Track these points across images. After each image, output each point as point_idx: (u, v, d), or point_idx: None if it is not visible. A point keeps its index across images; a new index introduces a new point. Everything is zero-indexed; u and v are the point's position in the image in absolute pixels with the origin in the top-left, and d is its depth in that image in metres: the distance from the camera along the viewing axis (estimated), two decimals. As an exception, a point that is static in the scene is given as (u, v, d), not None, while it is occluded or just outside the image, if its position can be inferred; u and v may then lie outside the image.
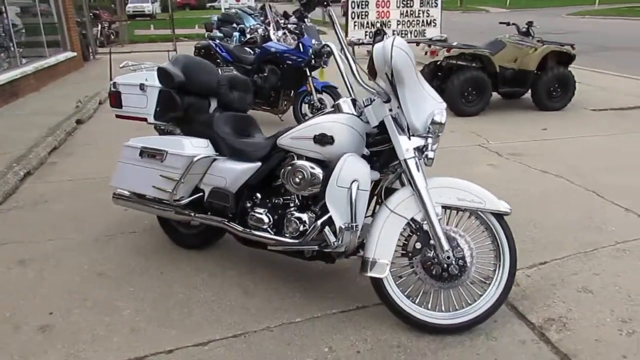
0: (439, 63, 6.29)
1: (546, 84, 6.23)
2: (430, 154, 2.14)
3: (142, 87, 2.79)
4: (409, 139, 2.20)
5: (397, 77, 2.06)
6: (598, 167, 4.28)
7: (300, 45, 5.47)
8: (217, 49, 6.43)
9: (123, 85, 2.88)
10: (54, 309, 2.47)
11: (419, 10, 11.70)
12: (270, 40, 7.71)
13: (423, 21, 11.81)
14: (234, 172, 2.62)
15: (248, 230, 2.58)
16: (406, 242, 2.28)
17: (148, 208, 2.93)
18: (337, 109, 2.47)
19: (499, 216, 2.26)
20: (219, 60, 6.43)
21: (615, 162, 4.43)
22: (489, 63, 6.15)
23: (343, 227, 2.16)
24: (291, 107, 5.74)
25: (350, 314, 2.40)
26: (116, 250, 3.04)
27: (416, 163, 2.19)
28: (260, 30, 8.52)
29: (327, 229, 2.22)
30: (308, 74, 5.41)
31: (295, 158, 2.48)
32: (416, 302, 2.27)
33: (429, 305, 2.29)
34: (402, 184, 2.41)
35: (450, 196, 2.23)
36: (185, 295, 2.58)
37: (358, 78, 2.22)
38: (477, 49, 6.17)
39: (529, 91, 6.45)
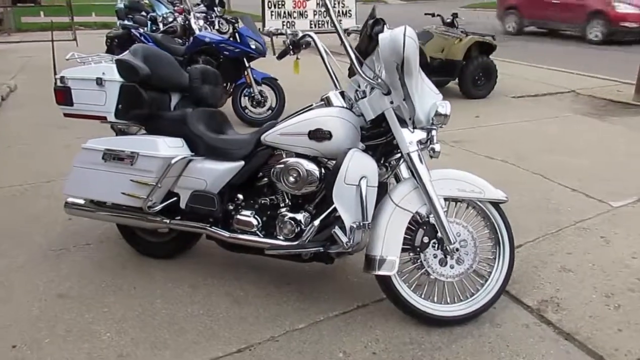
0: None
1: (472, 73, 6.52)
2: (437, 147, 2.12)
3: (99, 81, 2.47)
4: (412, 131, 2.15)
5: (407, 68, 1.99)
6: (535, 150, 4.55)
7: (237, 35, 5.23)
8: (142, 38, 5.97)
9: (74, 80, 2.54)
10: (16, 341, 2.13)
11: (335, 1, 11.75)
12: (192, 29, 7.33)
13: (339, 11, 11.86)
14: (215, 172, 2.42)
15: (236, 235, 2.41)
16: (408, 237, 2.24)
17: (111, 217, 2.64)
18: (327, 102, 2.36)
19: (496, 204, 2.30)
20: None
21: (548, 145, 4.74)
22: (420, 53, 6.29)
23: (355, 226, 2.07)
24: (229, 100, 5.48)
25: (353, 315, 2.32)
26: (72, 267, 2.70)
27: (419, 156, 2.16)
28: (179, 19, 8.07)
29: (337, 229, 2.12)
30: (246, 64, 5.21)
31: (285, 155, 2.35)
32: (422, 296, 2.25)
33: (435, 298, 2.28)
34: (397, 180, 2.38)
35: (452, 188, 2.22)
36: (170, 311, 2.35)
37: (359, 69, 2.12)
38: (408, 40, 6.29)
39: (455, 80, 6.72)
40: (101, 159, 2.46)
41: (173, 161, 2.36)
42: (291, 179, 2.26)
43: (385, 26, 2.12)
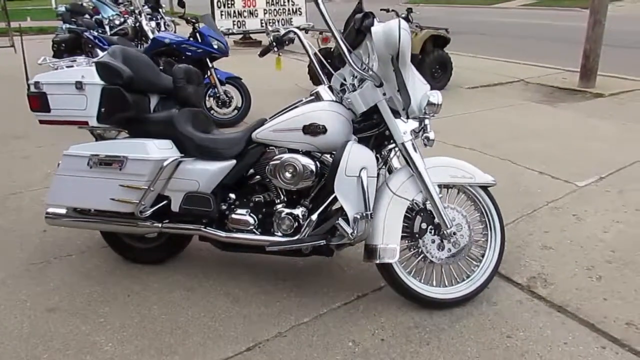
0: (331, 50, 6.39)
1: (429, 66, 6.70)
2: (431, 135, 2.19)
3: (79, 85, 2.39)
4: (405, 122, 2.21)
5: (402, 59, 2.05)
6: (499, 137, 4.75)
7: (198, 35, 5.14)
8: (96, 41, 5.77)
9: (49, 85, 2.43)
10: (12, 360, 2.03)
11: (285, 0, 11.75)
12: (144, 31, 7.15)
13: (289, 10, 11.88)
14: (207, 173, 2.39)
15: (233, 235, 2.39)
16: (405, 224, 2.30)
17: (98, 225, 2.55)
18: (317, 96, 2.38)
19: (485, 188, 2.40)
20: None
21: (509, 132, 4.95)
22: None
23: (358, 216, 2.10)
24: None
25: (355, 304, 2.36)
26: (58, 279, 2.59)
27: (413, 145, 2.22)
28: (130, 21, 7.84)
29: (340, 221, 2.14)
30: (210, 65, 5.13)
31: (277, 152, 2.35)
32: (422, 280, 2.32)
33: (434, 282, 2.35)
34: (390, 171, 2.43)
35: (444, 174, 2.30)
36: (170, 315, 2.30)
37: (352, 63, 2.15)
38: (367, 35, 6.39)
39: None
40: (86, 165, 2.37)
41: (165, 163, 2.31)
42: (287, 174, 2.27)
43: (375, 19, 2.16)
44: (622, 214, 3.16)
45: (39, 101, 2.45)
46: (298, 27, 8.03)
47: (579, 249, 2.76)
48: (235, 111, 5.29)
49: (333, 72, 2.51)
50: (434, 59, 6.71)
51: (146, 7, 8.61)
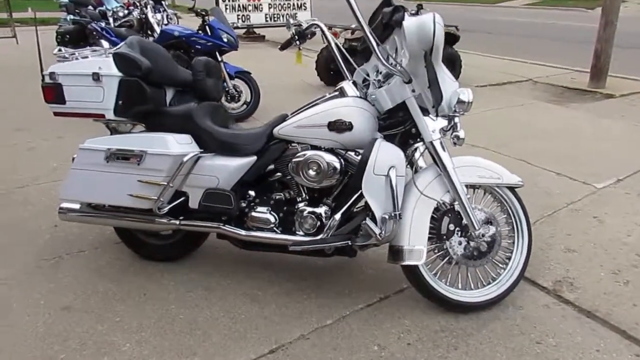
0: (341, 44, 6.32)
1: (438, 63, 6.62)
2: (462, 134, 2.12)
3: (96, 77, 2.31)
4: (434, 120, 2.15)
5: (435, 55, 1.98)
6: (512, 136, 4.69)
7: (208, 28, 5.06)
8: (104, 32, 5.66)
9: (65, 76, 2.36)
10: (28, 360, 1.97)
11: (290, -5, 11.65)
12: (150, 23, 7.06)
13: (294, 4, 11.79)
14: (227, 169, 2.32)
15: (253, 233, 2.32)
16: (431, 225, 2.23)
17: (113, 221, 2.49)
18: (340, 92, 2.32)
19: (512, 189, 2.34)
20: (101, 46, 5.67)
21: (522, 131, 4.89)
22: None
23: (386, 217, 2.04)
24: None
25: (378, 306, 2.30)
26: (71, 276, 2.52)
27: (442, 144, 2.16)
28: (135, 13, 7.74)
29: (368, 221, 2.08)
30: (219, 58, 5.05)
31: (300, 148, 2.29)
32: (447, 283, 2.26)
33: (459, 285, 2.29)
34: (415, 170, 2.36)
35: (472, 174, 2.23)
36: (188, 315, 2.24)
37: (381, 58, 2.08)
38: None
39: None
40: (103, 160, 2.30)
41: (185, 159, 2.24)
42: (311, 172, 2.20)
43: (406, 13, 2.09)
44: (643, 217, 3.11)
45: (54, 92, 2.38)
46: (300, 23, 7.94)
47: (603, 253, 2.71)
48: (244, 106, 5.21)
49: (356, 67, 2.44)
50: (443, 56, 6.61)
51: (149, -1, 8.52)
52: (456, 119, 2.13)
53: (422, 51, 1.97)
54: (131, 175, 2.28)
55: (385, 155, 2.06)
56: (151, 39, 6.26)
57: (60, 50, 2.54)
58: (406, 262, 2.12)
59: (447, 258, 2.25)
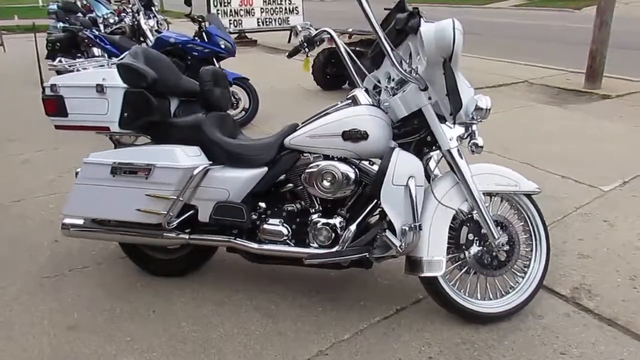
0: (334, 50, 6.27)
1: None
2: (480, 141, 2.08)
3: (100, 88, 2.24)
4: (451, 127, 2.10)
5: (454, 62, 1.93)
6: (514, 140, 4.66)
7: (205, 34, 4.99)
8: (97, 40, 5.56)
9: (67, 88, 2.29)
10: (35, 385, 1.88)
11: (282, -1, 11.60)
12: (142, 30, 6.97)
13: (285, 9, 11.76)
14: (238, 181, 2.26)
15: (266, 246, 2.26)
16: (449, 235, 2.18)
17: (120, 236, 2.41)
18: (353, 100, 2.26)
19: (529, 196, 2.30)
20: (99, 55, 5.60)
21: (524, 134, 4.87)
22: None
23: (406, 228, 1.98)
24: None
25: (396, 319, 2.24)
26: (75, 293, 2.44)
27: (459, 152, 2.11)
28: (127, 20, 7.65)
29: (387, 232, 2.02)
30: (217, 65, 4.98)
31: (312, 158, 2.23)
32: (466, 294, 2.21)
33: (478, 295, 2.24)
34: (428, 179, 2.31)
35: (489, 182, 2.19)
36: (201, 333, 2.16)
37: (397, 65, 2.03)
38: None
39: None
40: (109, 174, 2.22)
41: (195, 172, 2.18)
42: (326, 183, 2.14)
43: (422, 19, 2.05)
44: (653, 220, 3.09)
45: (55, 105, 2.31)
46: (294, 27, 7.91)
47: (618, 258, 2.67)
48: (243, 112, 5.15)
49: (367, 73, 2.39)
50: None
51: (137, 5, 8.43)
52: (474, 127, 2.09)
53: (440, 58, 1.92)
54: (139, 189, 2.21)
55: (404, 165, 2.01)
56: (144, 45, 6.16)
57: (60, 61, 2.46)
58: (425, 274, 2.07)
59: (465, 268, 2.20)
